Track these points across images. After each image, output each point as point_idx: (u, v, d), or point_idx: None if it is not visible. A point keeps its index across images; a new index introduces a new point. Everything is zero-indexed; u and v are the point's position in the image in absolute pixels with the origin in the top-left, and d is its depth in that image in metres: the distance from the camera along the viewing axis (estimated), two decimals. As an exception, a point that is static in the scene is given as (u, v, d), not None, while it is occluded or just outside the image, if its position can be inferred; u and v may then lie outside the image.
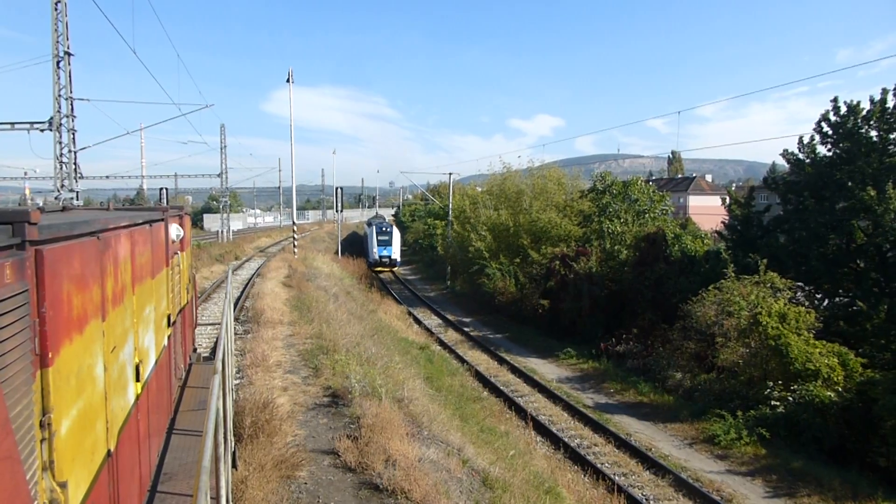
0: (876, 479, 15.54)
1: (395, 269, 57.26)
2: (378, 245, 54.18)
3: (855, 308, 22.52)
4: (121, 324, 5.10)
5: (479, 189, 59.06)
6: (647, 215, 36.34)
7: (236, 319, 19.43)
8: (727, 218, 30.14)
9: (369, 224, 63.88)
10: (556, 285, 32.49)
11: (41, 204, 5.27)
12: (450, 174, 57.64)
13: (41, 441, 3.10)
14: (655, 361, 23.96)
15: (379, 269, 54.31)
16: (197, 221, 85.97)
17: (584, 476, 15.48)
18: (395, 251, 55.35)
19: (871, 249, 23.09)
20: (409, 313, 37.00)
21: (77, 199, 27.86)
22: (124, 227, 5.58)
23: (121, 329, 5.09)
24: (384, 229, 55.54)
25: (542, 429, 18.68)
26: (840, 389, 17.99)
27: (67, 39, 25.75)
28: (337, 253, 52.70)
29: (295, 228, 42.75)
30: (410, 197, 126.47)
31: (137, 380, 5.65)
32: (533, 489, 10.66)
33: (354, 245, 70.41)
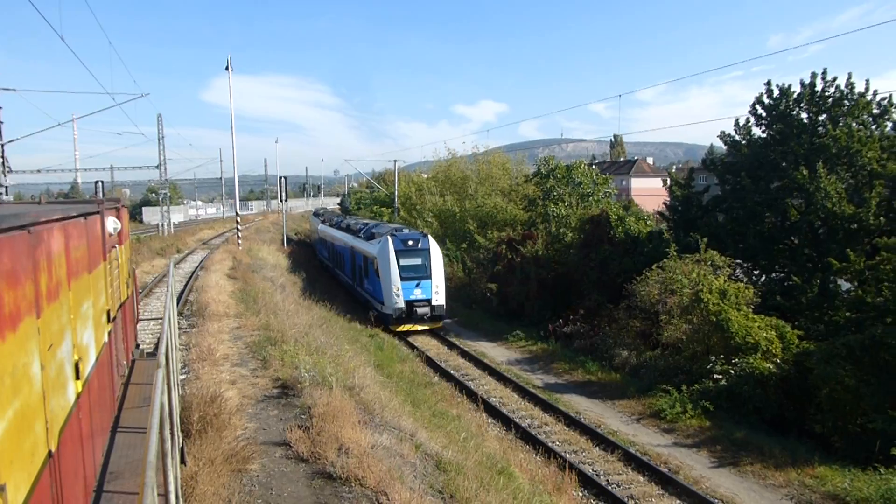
0: (812, 444, 16.23)
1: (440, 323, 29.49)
2: (403, 278, 27.98)
3: (790, 283, 23.36)
4: (57, 320, 4.92)
5: (425, 176, 59.11)
6: (591, 198, 36.94)
7: (180, 314, 19.00)
8: (668, 199, 30.83)
9: (348, 229, 38.95)
10: (503, 269, 32.75)
11: (-34, 198, 5.04)
12: (395, 161, 57.41)
13: (-25, 444, 2.97)
14: (602, 341, 24.42)
15: (407, 326, 28.20)
16: (136, 215, 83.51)
17: (536, 455, 15.71)
18: (440, 289, 28.70)
19: (804, 226, 23.95)
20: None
21: (6, 194, 26.70)
22: (57, 220, 5.37)
23: (57, 326, 4.91)
24: (410, 242, 29.00)
25: (493, 411, 18.86)
26: (778, 361, 18.66)
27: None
28: (282, 243, 51.93)
29: (238, 219, 41.95)
30: (356, 185, 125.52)
31: (77, 378, 5.47)
32: (486, 470, 10.78)
33: (302, 249, 55.23)
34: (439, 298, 28.26)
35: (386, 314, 28.09)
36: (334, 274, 41.50)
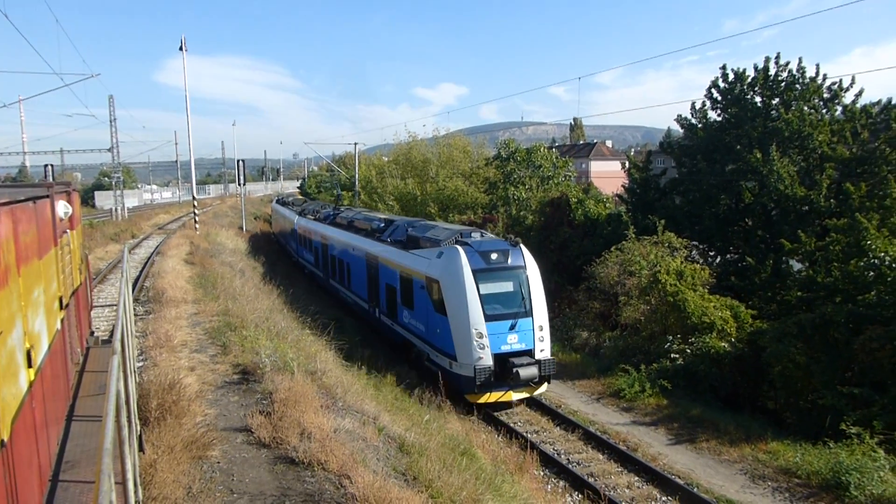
0: (765, 420, 16.74)
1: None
2: (490, 317, 16.95)
3: (744, 264, 23.95)
4: (7, 308, 4.78)
5: (386, 159, 58.80)
6: (551, 181, 37.22)
7: (136, 300, 18.63)
8: (627, 182, 31.23)
9: (354, 228, 28.15)
10: (465, 252, 32.82)
11: None
12: (355, 144, 56.90)
13: (-79, 434, 2.87)
14: (562, 322, 24.72)
15: (497, 395, 16.99)
16: (88, 199, 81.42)
17: (498, 436, 15.86)
18: (545, 332, 17.57)
19: (757, 208, 24.52)
20: (320, 287, 36.58)
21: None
22: (4, 204, 5.20)
23: (7, 313, 4.77)
24: (495, 256, 17.77)
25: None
26: (733, 340, 19.14)
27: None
28: (241, 228, 51.16)
29: (195, 203, 41.16)
30: (316, 168, 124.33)
31: (30, 366, 5.33)
32: (449, 452, 10.84)
33: (262, 233, 54.13)
34: (545, 348, 17.27)
35: (460, 377, 16.85)
36: (331, 289, 30.37)
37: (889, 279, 16.13)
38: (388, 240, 22.93)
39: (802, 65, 24.90)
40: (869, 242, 17.49)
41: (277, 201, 56.72)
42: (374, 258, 22.92)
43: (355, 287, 25.99)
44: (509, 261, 17.79)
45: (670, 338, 19.85)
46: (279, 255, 44.33)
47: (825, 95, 25.08)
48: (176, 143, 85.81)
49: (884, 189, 21.55)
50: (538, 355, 17.04)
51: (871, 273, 16.72)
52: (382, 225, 25.32)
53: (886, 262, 16.41)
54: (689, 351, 19.11)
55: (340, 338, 18.39)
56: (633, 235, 23.90)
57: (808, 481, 13.07)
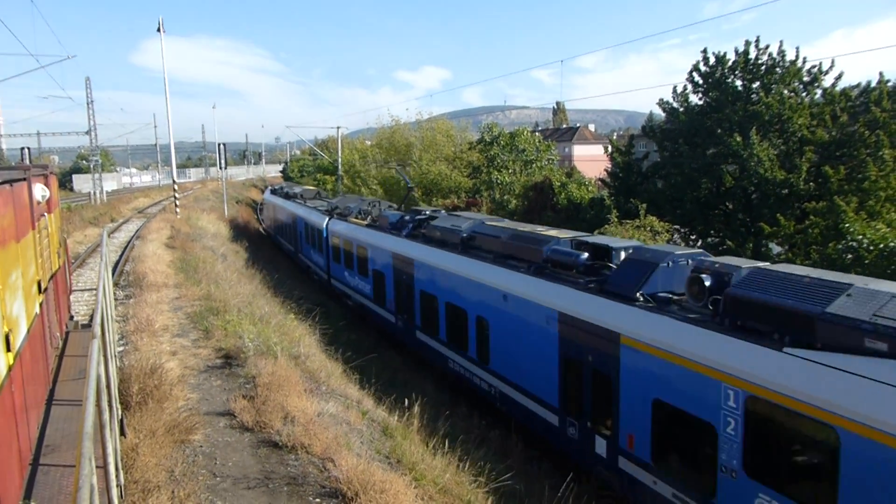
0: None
1: None
2: None
3: (725, 247, 24.13)
4: (-17, 291, 4.72)
5: (369, 143, 58.56)
6: (534, 165, 37.29)
7: (116, 284, 18.46)
8: (610, 166, 31.31)
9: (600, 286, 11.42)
10: (448, 236, 32.75)
11: None
12: (338, 128, 56.56)
13: None
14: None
15: None
16: (65, 183, 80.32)
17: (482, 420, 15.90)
18: None
19: (738, 192, 24.68)
20: (306, 269, 36.43)
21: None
22: (-20, 186, 5.12)
23: (-16, 297, 4.71)
24: None
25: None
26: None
27: None
28: (224, 212, 50.75)
29: (176, 187, 40.73)
30: (298, 152, 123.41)
31: (8, 350, 5.28)
32: (432, 434, 10.89)
33: (244, 216, 52.01)
34: None
35: None
36: (421, 348, 18.61)
37: (866, 262, 16.33)
38: (639, 296, 10.73)
39: (782, 48, 25.00)
40: (847, 225, 17.69)
41: (274, 191, 43.66)
42: (600, 336, 10.78)
43: (503, 367, 14.14)
44: None
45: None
46: (279, 255, 43.63)
47: (805, 79, 25.20)
48: (155, 126, 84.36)
49: (862, 172, 21.76)
50: None
51: (850, 256, 16.93)
52: (583, 257, 12.51)
53: (864, 245, 16.61)
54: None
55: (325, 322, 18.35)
56: (616, 219, 23.99)
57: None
